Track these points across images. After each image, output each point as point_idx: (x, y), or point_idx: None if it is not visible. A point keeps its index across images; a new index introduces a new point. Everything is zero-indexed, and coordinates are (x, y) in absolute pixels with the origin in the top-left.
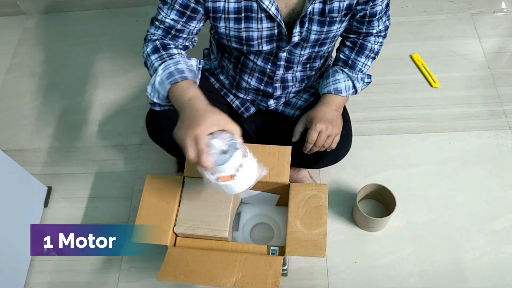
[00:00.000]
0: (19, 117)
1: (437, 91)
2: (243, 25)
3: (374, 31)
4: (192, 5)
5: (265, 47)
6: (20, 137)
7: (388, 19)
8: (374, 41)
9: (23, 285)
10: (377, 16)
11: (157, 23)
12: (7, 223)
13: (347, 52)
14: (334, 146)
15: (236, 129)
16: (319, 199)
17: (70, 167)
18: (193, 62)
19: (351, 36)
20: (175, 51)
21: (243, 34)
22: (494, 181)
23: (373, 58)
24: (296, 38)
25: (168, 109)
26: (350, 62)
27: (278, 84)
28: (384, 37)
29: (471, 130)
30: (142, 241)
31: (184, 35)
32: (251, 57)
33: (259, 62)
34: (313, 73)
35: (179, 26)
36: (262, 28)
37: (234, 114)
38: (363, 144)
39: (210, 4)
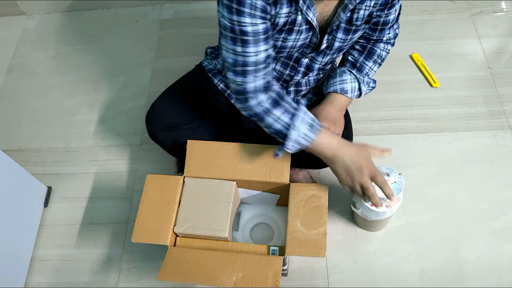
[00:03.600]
0: (19, 117)
1: (437, 91)
2: (282, 35)
3: (385, 38)
4: (269, 25)
5: (293, 54)
6: (20, 137)
7: (398, 27)
8: (383, 48)
9: (23, 285)
10: (389, 25)
11: (252, 67)
12: (7, 223)
13: (356, 55)
14: None
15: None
16: (319, 199)
17: (70, 167)
18: (288, 97)
19: (361, 41)
20: (285, 96)
21: (279, 43)
22: (494, 181)
23: (379, 65)
24: (324, 46)
25: (167, 109)
26: (358, 64)
27: (292, 88)
28: (393, 45)
29: (471, 130)
30: (142, 241)
31: (272, 51)
32: None
33: (277, 67)
34: (324, 76)
35: (270, 50)
36: (299, 38)
37: (234, 113)
38: None
39: (273, 16)
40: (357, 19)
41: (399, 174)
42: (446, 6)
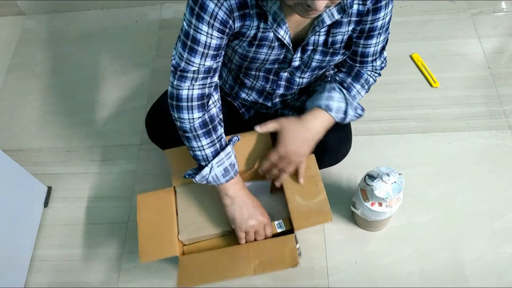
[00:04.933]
0: (19, 117)
1: (437, 91)
2: (253, 48)
3: (369, 68)
4: (224, 42)
5: (267, 66)
6: (20, 137)
7: (385, 61)
8: (370, 74)
9: (23, 285)
10: (371, 58)
11: (190, 74)
12: (7, 223)
13: (342, 76)
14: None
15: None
16: (310, 169)
17: (70, 167)
18: (222, 129)
19: (347, 63)
20: (219, 127)
21: (251, 54)
22: (494, 181)
23: (366, 91)
24: (296, 63)
25: (167, 110)
26: (346, 85)
27: (277, 100)
28: (379, 74)
29: (471, 130)
30: (152, 259)
31: (219, 66)
32: (251, 79)
33: (258, 82)
34: (313, 85)
35: (215, 66)
36: (271, 53)
37: (233, 113)
38: (363, 144)
39: (235, 31)
40: (334, 43)
41: (399, 174)
42: (446, 6)
